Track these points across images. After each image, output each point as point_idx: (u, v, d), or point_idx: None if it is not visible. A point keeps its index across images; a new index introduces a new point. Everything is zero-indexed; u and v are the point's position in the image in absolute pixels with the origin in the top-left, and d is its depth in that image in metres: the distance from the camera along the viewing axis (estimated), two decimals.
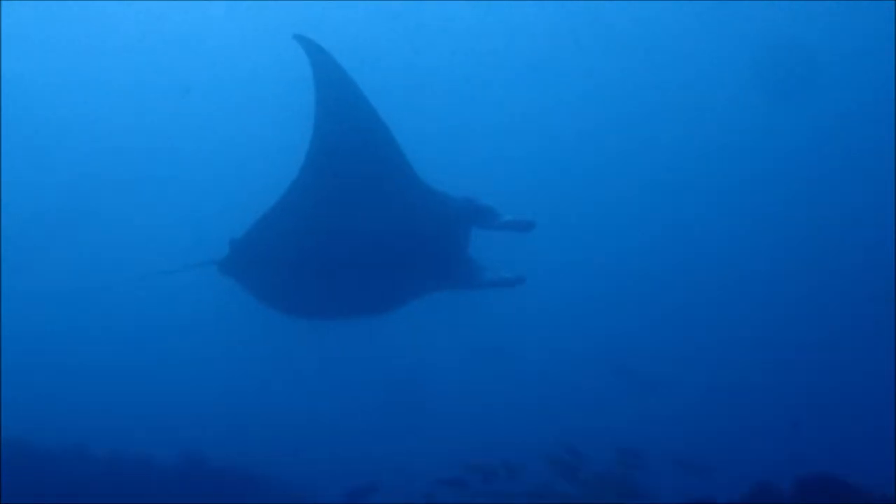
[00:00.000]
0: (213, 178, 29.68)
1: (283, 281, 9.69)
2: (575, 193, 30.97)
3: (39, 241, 28.75)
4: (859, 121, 28.32)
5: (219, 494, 11.79)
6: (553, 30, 29.40)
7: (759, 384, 21.03)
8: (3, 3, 26.40)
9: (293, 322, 10.33)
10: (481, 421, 17.17)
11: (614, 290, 26.80)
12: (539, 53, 30.28)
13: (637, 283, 27.45)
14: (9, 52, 28.03)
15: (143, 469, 12.09)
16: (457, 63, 30.04)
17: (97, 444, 12.48)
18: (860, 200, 28.20)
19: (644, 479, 10.61)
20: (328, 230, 9.31)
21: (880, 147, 27.16)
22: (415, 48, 29.05)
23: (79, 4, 27.56)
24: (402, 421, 18.02)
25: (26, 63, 28.86)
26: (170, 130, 31.07)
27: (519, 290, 10.39)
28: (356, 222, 9.28)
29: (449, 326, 16.97)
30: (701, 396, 19.98)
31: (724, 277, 27.88)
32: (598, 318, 24.87)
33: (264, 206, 9.24)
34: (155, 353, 25.10)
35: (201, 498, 11.52)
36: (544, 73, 30.89)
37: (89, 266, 27.58)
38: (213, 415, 18.51)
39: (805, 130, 29.42)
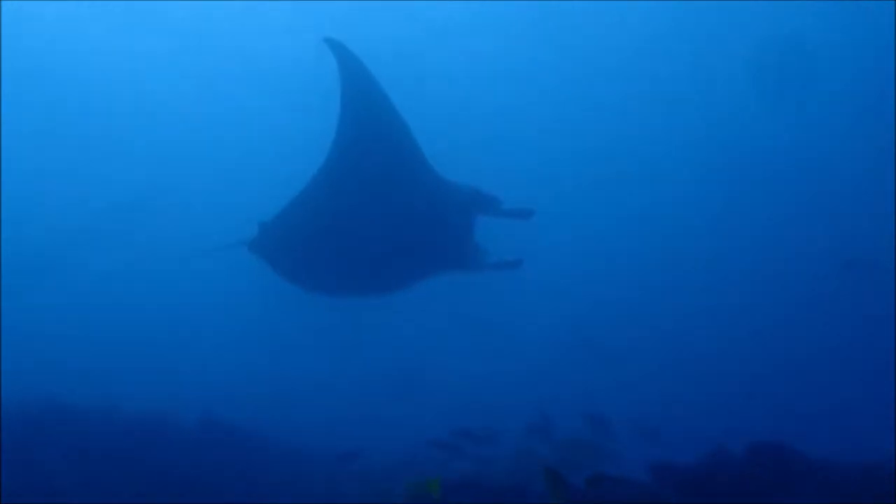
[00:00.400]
0: (238, 169, 29.72)
1: (306, 260, 9.87)
2: (565, 184, 30.35)
3: (90, 235, 28.86)
4: (857, 117, 26.89)
5: (229, 452, 12.01)
6: (554, 28, 27.61)
7: (715, 358, 21.25)
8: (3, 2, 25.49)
9: (310, 299, 10.56)
10: (467, 391, 17.24)
11: (584, 276, 26.85)
12: (539, 52, 28.62)
13: (607, 272, 27.62)
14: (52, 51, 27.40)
15: (163, 426, 12.30)
16: (464, 62, 28.71)
17: (126, 404, 12.68)
18: (848, 193, 27.45)
19: (611, 444, 10.81)
20: (348, 216, 9.47)
21: (879, 142, 25.80)
22: (425, 48, 27.72)
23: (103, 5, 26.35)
24: (398, 390, 18.12)
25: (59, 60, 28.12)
26: (197, 130, 30.75)
27: (500, 274, 10.68)
28: (374, 209, 9.45)
29: (439, 308, 17.02)
30: (662, 369, 20.21)
31: (683, 266, 27.86)
32: (569, 300, 24.98)
33: (290, 194, 9.45)
34: (182, 327, 25.24)
35: (214, 455, 11.71)
36: (545, 70, 29.38)
37: (130, 251, 27.71)
38: (229, 381, 18.66)
39: (801, 126, 28.11)
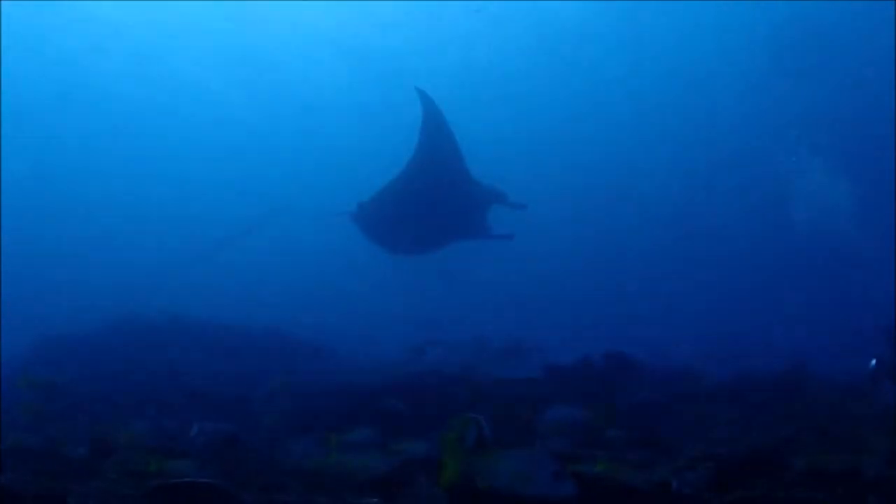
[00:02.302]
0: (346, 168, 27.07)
1: (387, 229, 10.87)
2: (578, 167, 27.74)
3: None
4: (864, 90, 22.80)
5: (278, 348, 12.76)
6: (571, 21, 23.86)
7: (584, 303, 21.89)
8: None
9: (381, 253, 11.52)
10: (439, 321, 17.34)
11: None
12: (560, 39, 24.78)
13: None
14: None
15: (245, 333, 13.12)
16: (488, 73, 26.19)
17: (221, 317, 13.48)
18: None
19: (520, 355, 11.50)
20: (417, 203, 10.46)
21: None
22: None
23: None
24: (403, 319, 18.34)
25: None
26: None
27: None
28: (433, 201, 10.47)
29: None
30: (553, 312, 20.92)
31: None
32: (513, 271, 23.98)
33: (378, 185, 10.57)
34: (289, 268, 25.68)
35: (268, 350, 12.45)
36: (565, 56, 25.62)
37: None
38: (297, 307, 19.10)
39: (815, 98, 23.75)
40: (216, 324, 13.12)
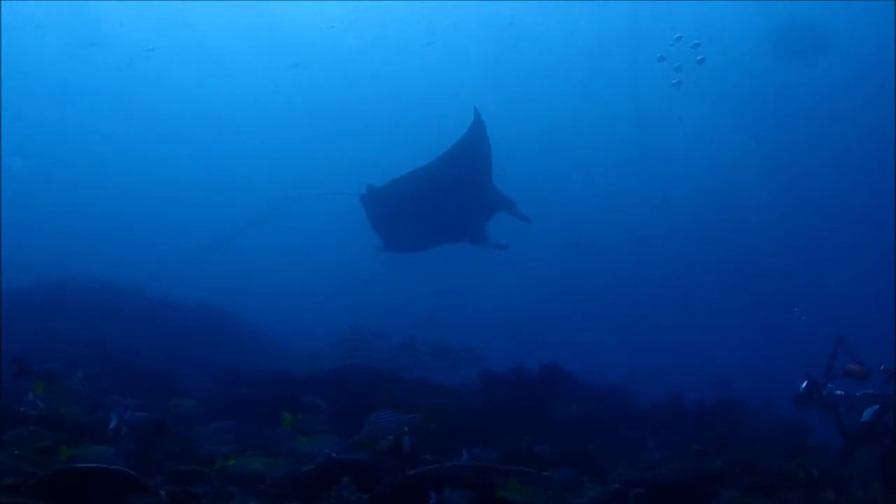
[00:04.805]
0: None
1: (388, 219, 10.63)
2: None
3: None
4: (859, 78, 22.51)
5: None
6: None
7: (517, 316, 21.25)
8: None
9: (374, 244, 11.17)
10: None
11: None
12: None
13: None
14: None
15: (177, 307, 12.67)
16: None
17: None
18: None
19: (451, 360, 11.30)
20: (434, 197, 10.22)
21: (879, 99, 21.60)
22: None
23: None
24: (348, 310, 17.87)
25: None
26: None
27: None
28: (451, 196, 10.23)
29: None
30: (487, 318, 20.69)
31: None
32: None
33: (390, 176, 10.32)
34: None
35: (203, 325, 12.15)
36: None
37: None
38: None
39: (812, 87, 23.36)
40: (151, 297, 12.72)
